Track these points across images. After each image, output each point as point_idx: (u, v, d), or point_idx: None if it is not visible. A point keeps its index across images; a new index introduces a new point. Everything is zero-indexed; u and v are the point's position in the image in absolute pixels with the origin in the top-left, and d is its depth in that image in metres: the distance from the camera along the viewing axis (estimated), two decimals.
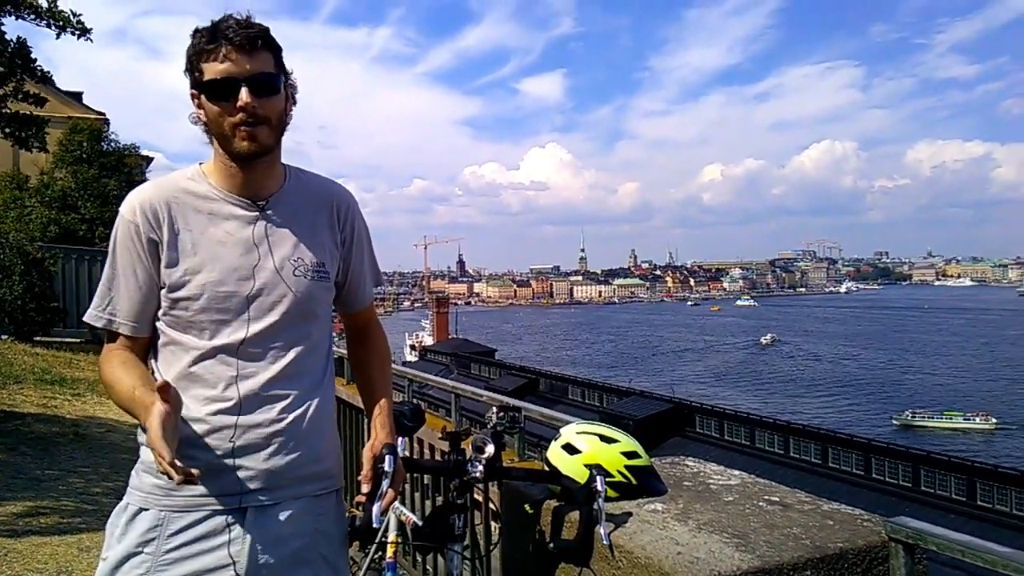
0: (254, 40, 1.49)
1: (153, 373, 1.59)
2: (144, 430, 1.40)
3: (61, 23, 8.75)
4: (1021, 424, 48.52)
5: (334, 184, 1.77)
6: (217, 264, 1.55)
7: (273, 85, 1.52)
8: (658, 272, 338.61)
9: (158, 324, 1.58)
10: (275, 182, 1.64)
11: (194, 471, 1.31)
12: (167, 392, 1.36)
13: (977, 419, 48.91)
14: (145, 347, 1.60)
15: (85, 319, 1.60)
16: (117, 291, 1.57)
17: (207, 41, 1.49)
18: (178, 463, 1.29)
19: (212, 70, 1.48)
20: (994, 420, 48.62)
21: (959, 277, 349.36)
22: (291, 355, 1.59)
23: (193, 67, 1.51)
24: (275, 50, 1.54)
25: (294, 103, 1.64)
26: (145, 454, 1.56)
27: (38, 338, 12.93)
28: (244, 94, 1.47)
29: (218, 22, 1.50)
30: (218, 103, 1.50)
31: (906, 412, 51.11)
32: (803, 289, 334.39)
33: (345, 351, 5.60)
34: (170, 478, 1.29)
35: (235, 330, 1.55)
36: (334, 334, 1.86)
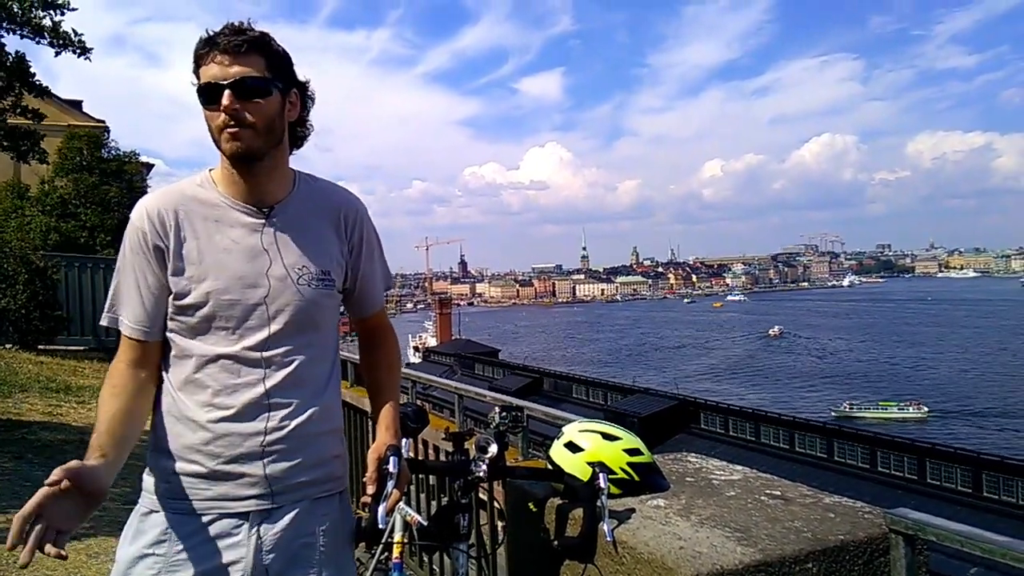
0: (240, 45, 1.51)
1: (162, 382, 1.62)
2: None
3: (62, 42, 8.75)
4: (951, 411, 51.54)
5: (343, 191, 1.78)
6: (222, 272, 1.57)
7: (259, 88, 1.53)
8: (660, 269, 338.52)
9: (165, 330, 1.60)
10: (282, 189, 1.66)
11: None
12: (73, 478, 1.35)
13: (911, 408, 50.98)
14: (154, 354, 1.61)
15: (101, 323, 1.63)
16: (124, 294, 1.59)
17: (201, 47, 1.54)
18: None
19: (203, 75, 1.53)
20: (926, 408, 50.97)
21: (962, 268, 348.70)
22: (294, 363, 1.61)
23: (195, 73, 1.55)
24: (269, 55, 1.56)
25: (304, 111, 1.68)
26: (152, 460, 1.60)
27: (42, 346, 12.94)
28: (225, 97, 1.50)
29: (217, 30, 1.54)
30: (208, 107, 1.53)
31: (844, 404, 52.57)
32: (805, 284, 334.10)
33: (350, 355, 5.63)
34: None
35: (239, 337, 1.57)
36: (342, 333, 1.87)
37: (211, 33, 1.54)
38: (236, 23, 1.54)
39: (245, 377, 1.56)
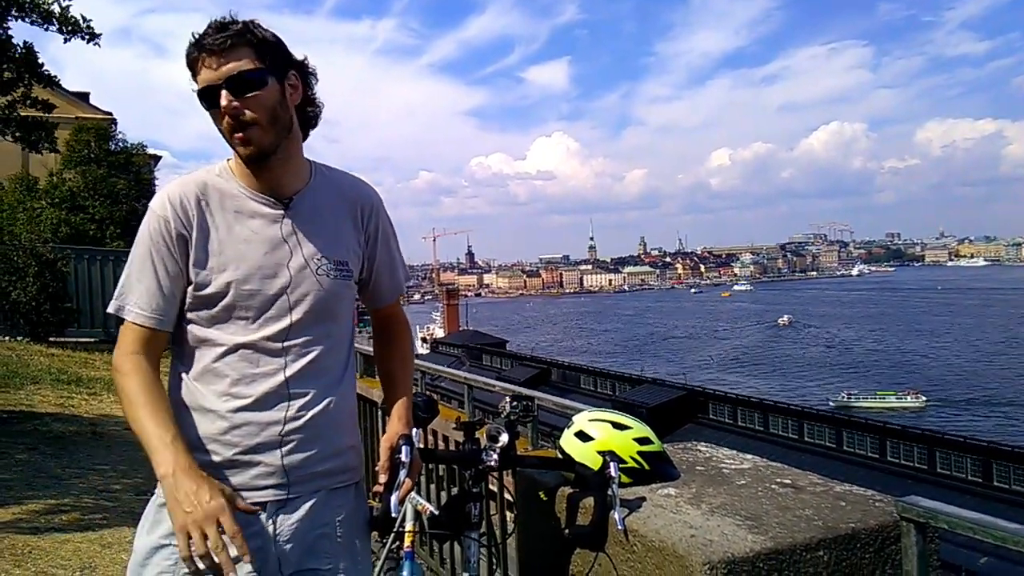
0: (225, 41, 1.49)
1: (177, 372, 1.61)
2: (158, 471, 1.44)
3: (71, 28, 8.74)
4: (953, 400, 52.34)
5: (360, 182, 1.78)
6: (242, 262, 1.57)
7: (253, 81, 1.50)
8: (668, 259, 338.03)
9: (182, 320, 1.60)
10: (299, 179, 1.66)
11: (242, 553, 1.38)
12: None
13: (908, 397, 51.46)
14: (162, 345, 1.60)
15: (108, 310, 1.61)
16: (140, 282, 1.56)
17: (190, 52, 1.52)
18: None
19: (199, 80, 1.52)
20: (924, 398, 51.42)
21: (972, 257, 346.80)
22: (312, 353, 1.61)
23: (193, 80, 1.54)
24: (257, 44, 1.53)
25: (309, 90, 1.65)
26: None
27: (53, 339, 13.05)
28: (223, 97, 1.49)
29: (202, 31, 1.52)
30: (211, 111, 1.53)
31: (842, 393, 52.85)
32: (814, 273, 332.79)
33: (360, 346, 5.64)
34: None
35: (259, 328, 1.57)
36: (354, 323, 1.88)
37: (196, 36, 1.52)
38: (218, 20, 1.52)
39: (264, 367, 1.57)
